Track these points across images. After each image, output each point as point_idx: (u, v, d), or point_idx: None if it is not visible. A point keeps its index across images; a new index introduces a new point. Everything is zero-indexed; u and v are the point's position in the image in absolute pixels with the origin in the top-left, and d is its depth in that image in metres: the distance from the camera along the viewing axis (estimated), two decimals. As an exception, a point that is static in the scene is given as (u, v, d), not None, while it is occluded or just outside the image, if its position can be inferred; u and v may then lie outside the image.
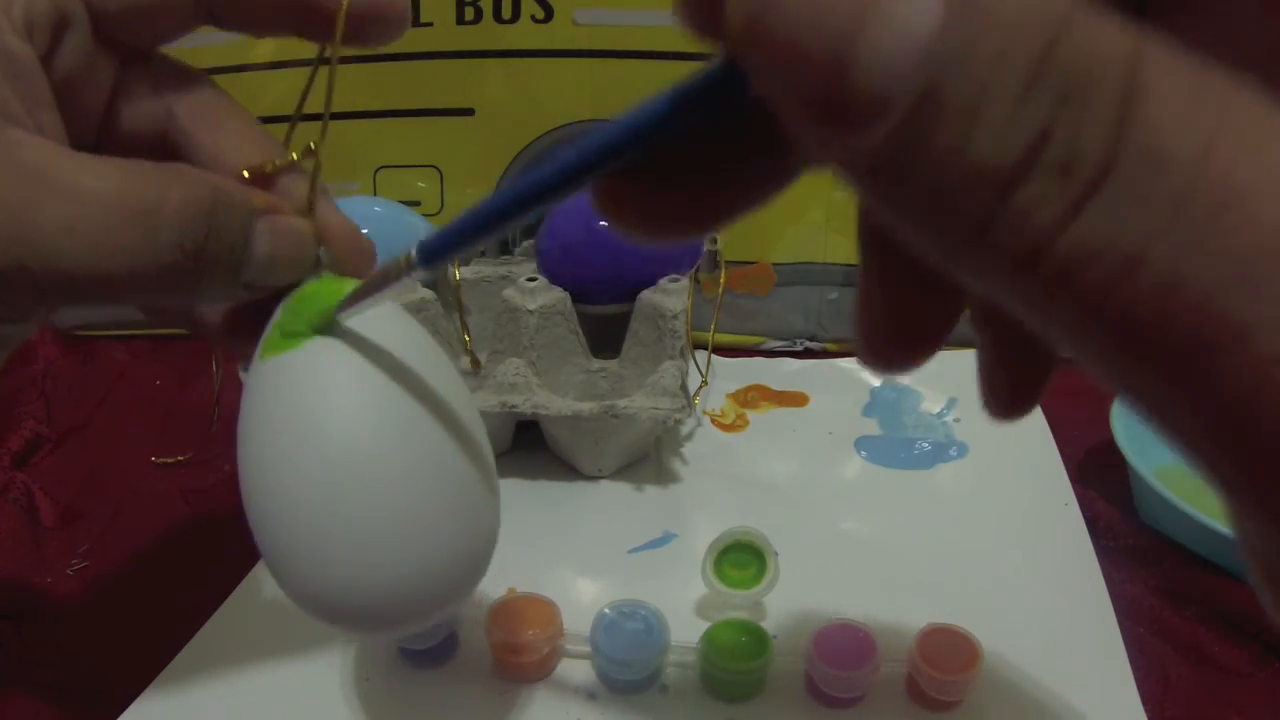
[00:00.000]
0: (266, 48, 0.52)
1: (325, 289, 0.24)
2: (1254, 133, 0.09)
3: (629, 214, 0.15)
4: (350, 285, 0.23)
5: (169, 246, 0.21)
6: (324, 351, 0.22)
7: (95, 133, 0.26)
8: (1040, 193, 0.09)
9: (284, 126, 0.27)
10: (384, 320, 0.24)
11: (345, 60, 0.24)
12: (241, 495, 0.23)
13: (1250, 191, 0.09)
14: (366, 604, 0.22)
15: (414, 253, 0.19)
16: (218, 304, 0.26)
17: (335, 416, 0.22)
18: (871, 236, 0.17)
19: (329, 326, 0.23)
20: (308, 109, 0.26)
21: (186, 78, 0.26)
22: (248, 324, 0.26)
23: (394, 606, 0.22)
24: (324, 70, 0.24)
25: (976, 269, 0.11)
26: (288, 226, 0.24)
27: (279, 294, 0.24)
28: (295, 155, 0.25)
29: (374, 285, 0.21)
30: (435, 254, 0.19)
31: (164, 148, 0.26)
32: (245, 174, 0.25)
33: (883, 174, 0.10)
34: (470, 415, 0.24)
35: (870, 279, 0.17)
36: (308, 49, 0.26)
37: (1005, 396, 0.18)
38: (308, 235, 0.24)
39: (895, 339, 0.17)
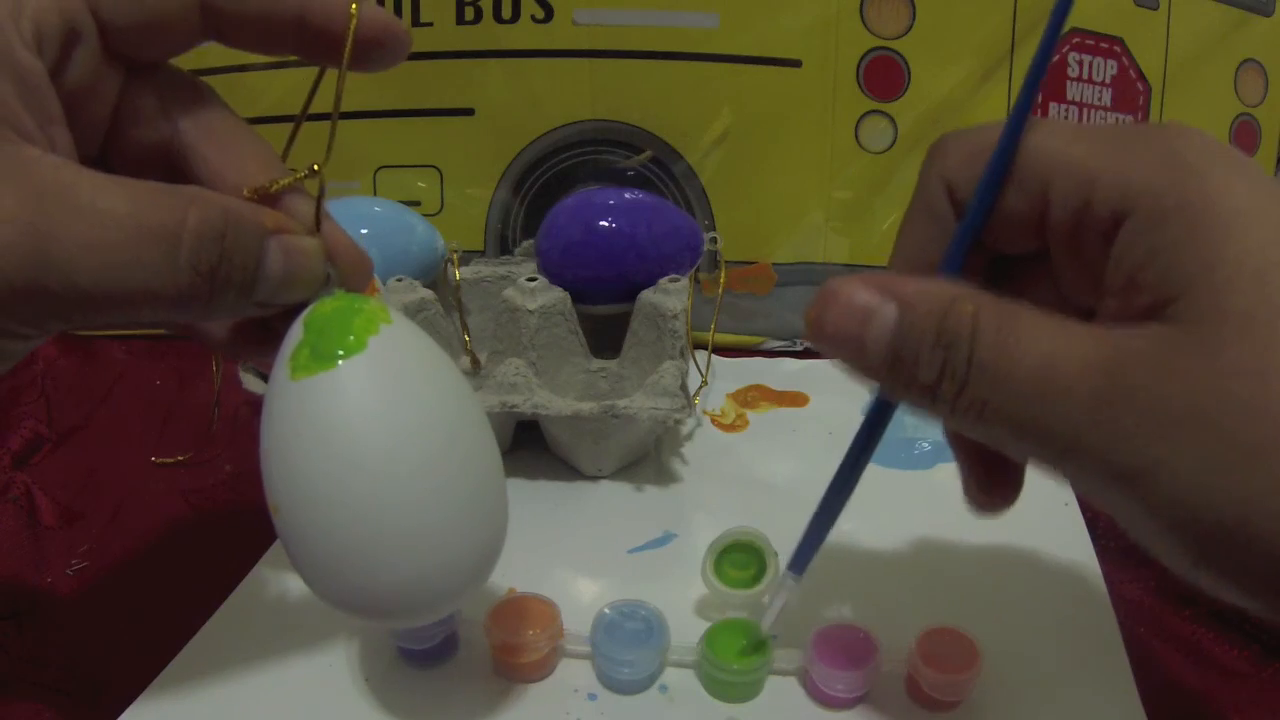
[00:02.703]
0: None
1: (346, 306, 0.25)
2: (1019, 330, 0.21)
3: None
4: (363, 302, 0.25)
5: (186, 268, 0.22)
6: (358, 371, 0.24)
7: (100, 145, 0.26)
8: (944, 389, 0.22)
9: (284, 132, 0.27)
10: (404, 337, 0.25)
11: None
12: (269, 504, 0.24)
13: (1014, 360, 0.21)
14: (401, 600, 0.25)
15: (783, 572, 0.30)
16: (227, 320, 0.27)
17: (375, 433, 0.24)
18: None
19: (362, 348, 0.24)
20: (310, 110, 0.27)
21: (192, 91, 0.26)
22: (254, 335, 0.27)
23: (424, 598, 0.25)
24: (324, 87, 0.25)
25: (934, 412, 0.23)
26: (299, 245, 0.24)
27: (289, 311, 0.25)
28: (299, 174, 0.25)
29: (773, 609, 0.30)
30: (805, 558, 0.30)
31: (168, 161, 0.26)
32: (246, 192, 0.25)
33: (885, 382, 0.23)
34: (480, 416, 0.26)
35: (954, 448, 0.28)
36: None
37: (980, 494, 0.28)
38: (318, 253, 0.25)
39: (982, 487, 0.28)
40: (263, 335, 0.27)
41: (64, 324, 0.22)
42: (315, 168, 0.25)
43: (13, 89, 0.22)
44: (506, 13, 0.54)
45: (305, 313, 0.25)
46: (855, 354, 0.23)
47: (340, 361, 0.24)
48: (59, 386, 0.52)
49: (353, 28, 0.24)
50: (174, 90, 0.26)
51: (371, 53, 0.25)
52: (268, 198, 0.25)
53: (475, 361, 0.47)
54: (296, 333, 0.25)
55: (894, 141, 0.55)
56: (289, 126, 0.28)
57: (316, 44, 0.25)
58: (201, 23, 0.25)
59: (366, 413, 0.24)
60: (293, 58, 0.26)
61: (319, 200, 0.26)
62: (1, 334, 0.22)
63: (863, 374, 0.23)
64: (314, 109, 0.27)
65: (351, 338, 0.24)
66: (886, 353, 0.22)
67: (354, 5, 0.25)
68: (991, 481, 0.27)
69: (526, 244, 0.53)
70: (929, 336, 0.21)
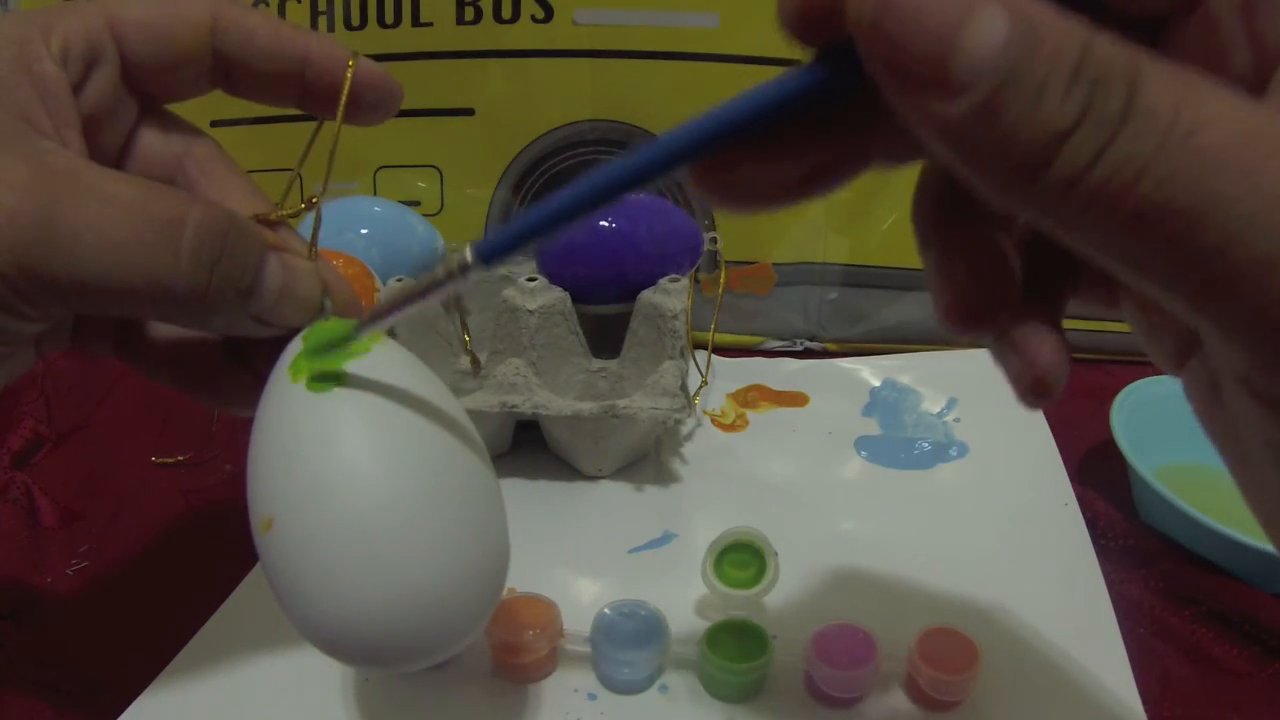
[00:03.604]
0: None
1: (341, 328, 0.25)
2: (1201, 98, 0.15)
3: (722, 189, 0.18)
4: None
5: (188, 257, 0.23)
6: (350, 400, 0.23)
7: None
8: (1080, 141, 0.15)
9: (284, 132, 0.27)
10: (396, 358, 0.25)
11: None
12: (257, 522, 0.23)
13: (1204, 125, 0.15)
14: (394, 643, 0.22)
15: (469, 254, 0.19)
16: (223, 334, 0.27)
17: (367, 465, 0.22)
18: (931, 205, 0.21)
19: (353, 368, 0.24)
20: (301, 115, 0.27)
21: (194, 134, 0.28)
22: (235, 378, 0.28)
23: (422, 641, 0.23)
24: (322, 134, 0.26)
25: (1027, 200, 0.15)
26: (297, 264, 0.25)
27: (275, 343, 0.25)
28: (299, 206, 0.27)
29: (413, 292, 0.21)
30: (497, 252, 0.18)
31: None
32: (252, 218, 0.26)
33: (966, 130, 0.15)
34: (477, 443, 0.25)
35: (933, 246, 0.21)
36: None
37: (969, 312, 0.21)
38: (315, 276, 0.26)
39: (966, 299, 0.21)
40: (239, 377, 0.27)
41: (63, 303, 0.23)
42: (313, 200, 0.26)
43: (34, 93, 0.23)
44: (506, 13, 0.54)
45: (303, 333, 0.25)
46: (934, 62, 0.15)
47: (333, 387, 0.23)
48: (59, 386, 0.52)
49: (349, 78, 0.26)
50: (178, 131, 0.28)
51: (365, 104, 0.27)
52: (268, 225, 0.26)
53: (475, 361, 0.47)
54: (295, 347, 0.25)
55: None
56: (289, 126, 0.28)
57: (316, 93, 0.27)
58: (211, 70, 0.26)
59: (361, 442, 0.23)
60: (295, 111, 0.27)
61: (314, 228, 0.27)
62: (2, 308, 0.22)
63: (935, 86, 0.15)
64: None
65: (349, 356, 0.24)
66: (995, 67, 0.14)
67: (351, 61, 0.26)
68: (986, 289, 0.21)
69: (527, 244, 0.53)
70: (1064, 65, 0.14)
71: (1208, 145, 0.14)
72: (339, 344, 0.24)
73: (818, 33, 0.17)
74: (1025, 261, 0.21)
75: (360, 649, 0.23)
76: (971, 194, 0.16)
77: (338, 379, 0.23)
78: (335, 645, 0.23)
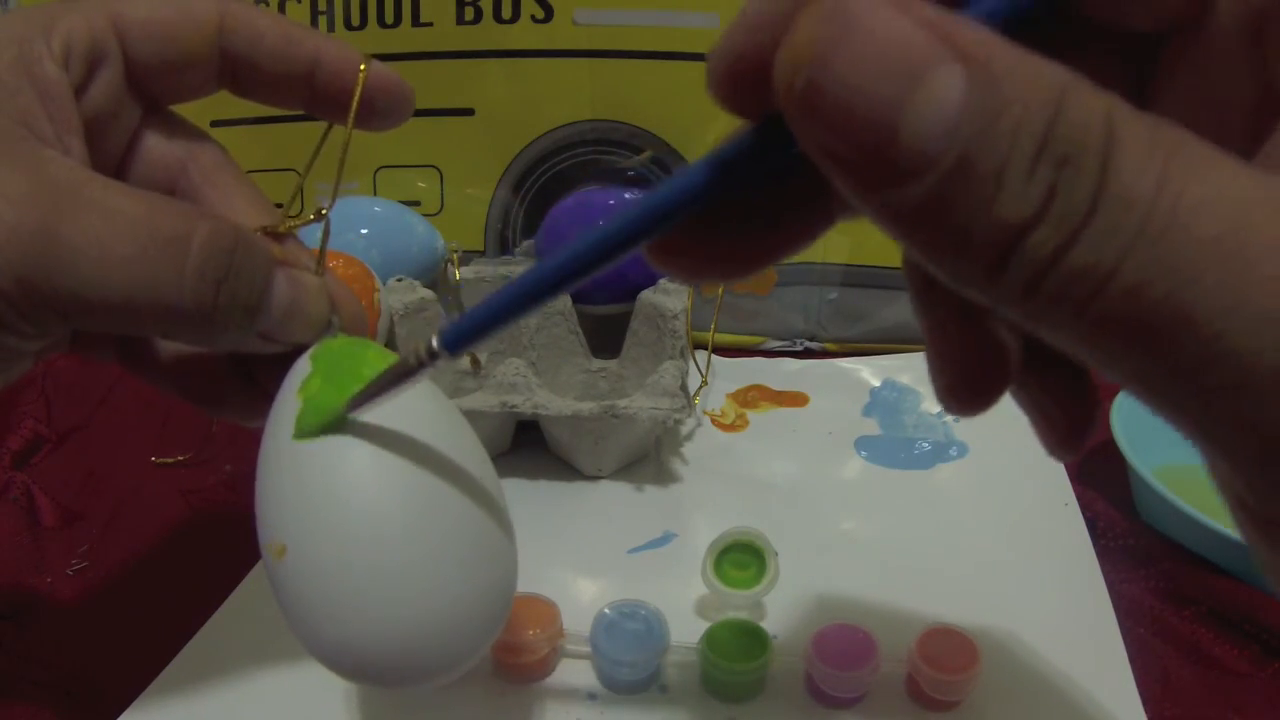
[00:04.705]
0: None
1: (351, 346, 0.24)
2: (1190, 173, 0.12)
3: (679, 265, 0.17)
4: (364, 344, 0.24)
5: (192, 276, 0.22)
6: (360, 427, 0.22)
7: (113, 175, 0.26)
8: (1044, 235, 0.12)
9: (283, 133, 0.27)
10: (415, 388, 0.24)
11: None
12: (268, 547, 0.23)
13: (1188, 215, 0.12)
14: (401, 666, 0.22)
15: (435, 341, 0.19)
16: (230, 350, 0.27)
17: (378, 493, 0.22)
18: (921, 286, 0.19)
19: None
20: (304, 115, 0.27)
21: (200, 138, 0.27)
22: (238, 390, 0.27)
23: (429, 664, 0.23)
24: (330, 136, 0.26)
25: (991, 294, 0.13)
26: (305, 280, 0.25)
27: (280, 358, 0.25)
28: (308, 217, 0.26)
29: (389, 380, 0.21)
30: (462, 339, 0.18)
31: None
32: (258, 231, 0.25)
33: (917, 221, 0.13)
34: (486, 464, 0.25)
35: (928, 326, 0.19)
36: None
37: (963, 389, 0.20)
38: (323, 292, 0.25)
39: (964, 382, 0.19)
40: (244, 390, 0.27)
41: (64, 321, 0.22)
42: (322, 211, 0.26)
43: (35, 96, 0.23)
44: (506, 13, 0.54)
45: (311, 350, 0.25)
46: (878, 135, 0.12)
47: (345, 419, 0.22)
48: (59, 386, 0.52)
49: (360, 83, 0.25)
50: (183, 135, 0.27)
51: (376, 109, 0.26)
52: (275, 238, 0.25)
53: (475, 361, 0.47)
54: (303, 367, 0.24)
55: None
56: (290, 126, 0.28)
57: (325, 97, 0.26)
58: (218, 71, 0.26)
59: (380, 461, 0.22)
60: (300, 112, 0.27)
61: (323, 242, 0.26)
62: (1, 326, 0.22)
63: (876, 175, 0.12)
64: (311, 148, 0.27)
65: (362, 375, 0.23)
66: (946, 148, 0.12)
67: (363, 65, 0.25)
68: (983, 372, 0.19)
69: (526, 244, 0.53)
70: (1030, 137, 0.12)
71: (1195, 238, 0.12)
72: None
73: (750, 103, 0.15)
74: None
75: (367, 671, 0.23)
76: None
77: (357, 380, 0.23)
78: (341, 667, 0.23)
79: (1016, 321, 0.14)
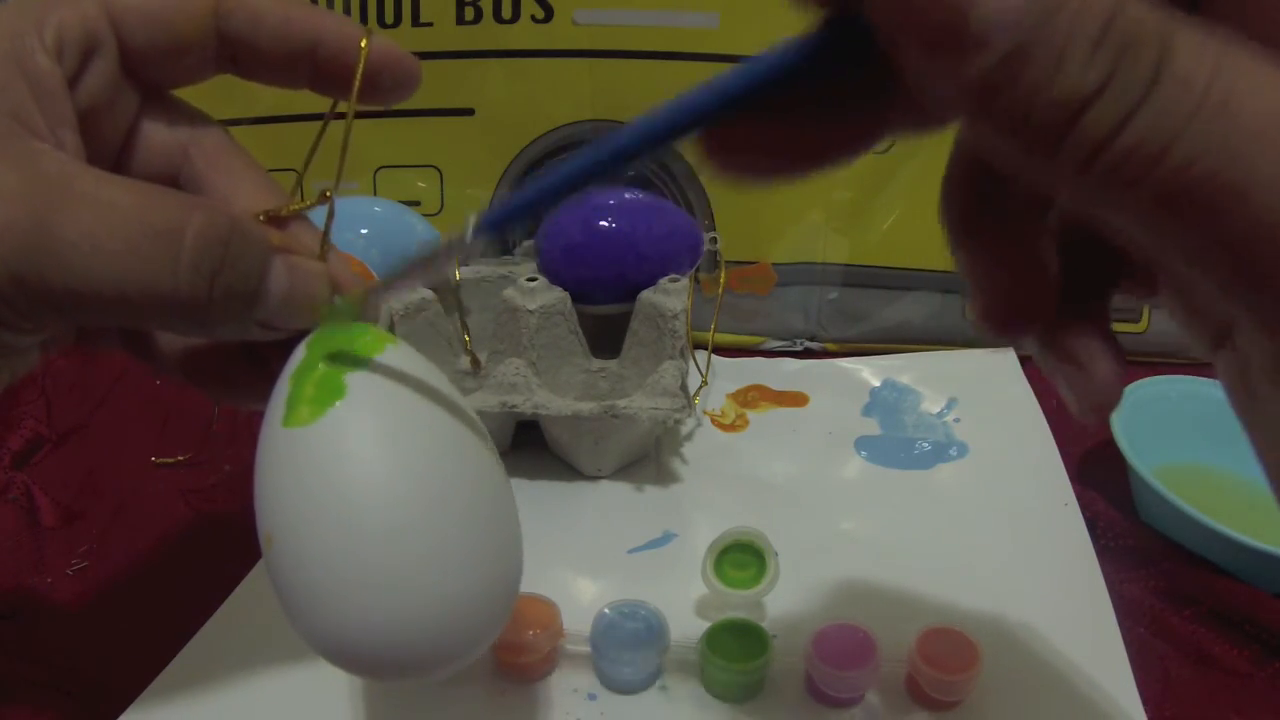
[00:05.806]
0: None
1: (350, 330, 0.24)
2: (1240, 67, 0.14)
3: (732, 160, 0.18)
4: (364, 327, 0.24)
5: (186, 269, 0.22)
6: (359, 411, 0.22)
7: (112, 165, 0.26)
8: (1104, 108, 0.14)
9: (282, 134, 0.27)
10: (409, 370, 0.24)
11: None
12: (264, 534, 0.23)
13: (1239, 101, 0.13)
14: (402, 656, 0.22)
15: (472, 223, 0.19)
16: (229, 339, 0.26)
17: (376, 479, 0.22)
18: (969, 206, 0.20)
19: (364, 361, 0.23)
20: (308, 113, 0.27)
21: (202, 122, 0.27)
22: (244, 373, 0.27)
23: (430, 655, 0.22)
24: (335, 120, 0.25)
25: (1049, 170, 0.14)
26: (304, 266, 0.24)
27: (285, 344, 0.24)
28: (311, 201, 0.26)
29: (423, 260, 0.21)
30: (499, 222, 0.19)
31: (176, 188, 0.26)
32: (260, 217, 0.25)
33: (983, 96, 0.14)
34: (490, 449, 0.24)
35: (969, 249, 0.20)
36: None
37: (1004, 311, 0.20)
38: (323, 277, 0.25)
39: (1005, 301, 0.20)
40: (253, 374, 0.26)
41: (59, 316, 0.22)
42: (327, 194, 0.25)
43: (27, 90, 0.22)
44: (506, 13, 0.54)
45: (309, 337, 0.24)
46: (949, 17, 0.13)
47: (338, 402, 0.22)
48: (59, 386, 0.52)
49: (363, 59, 0.25)
50: (185, 119, 0.26)
51: (381, 84, 0.26)
52: (278, 222, 0.25)
53: (475, 361, 0.47)
54: (298, 354, 0.24)
55: (894, 141, 0.55)
56: (291, 126, 0.28)
57: (329, 75, 0.25)
58: (216, 53, 0.25)
59: (375, 444, 0.22)
60: (299, 112, 0.26)
61: (326, 226, 0.25)
62: None
63: (948, 58, 0.14)
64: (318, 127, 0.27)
65: (356, 359, 0.23)
66: (1016, 21, 0.13)
67: (364, 39, 0.25)
68: (1023, 292, 0.20)
69: (526, 244, 0.53)
70: (1091, 24, 0.13)
71: (1246, 118, 0.13)
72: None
73: None
74: (1064, 262, 0.20)
75: (366, 662, 0.22)
76: (1001, 192, 0.16)
77: (354, 363, 0.23)
78: (340, 657, 0.22)
79: (1071, 200, 0.15)
